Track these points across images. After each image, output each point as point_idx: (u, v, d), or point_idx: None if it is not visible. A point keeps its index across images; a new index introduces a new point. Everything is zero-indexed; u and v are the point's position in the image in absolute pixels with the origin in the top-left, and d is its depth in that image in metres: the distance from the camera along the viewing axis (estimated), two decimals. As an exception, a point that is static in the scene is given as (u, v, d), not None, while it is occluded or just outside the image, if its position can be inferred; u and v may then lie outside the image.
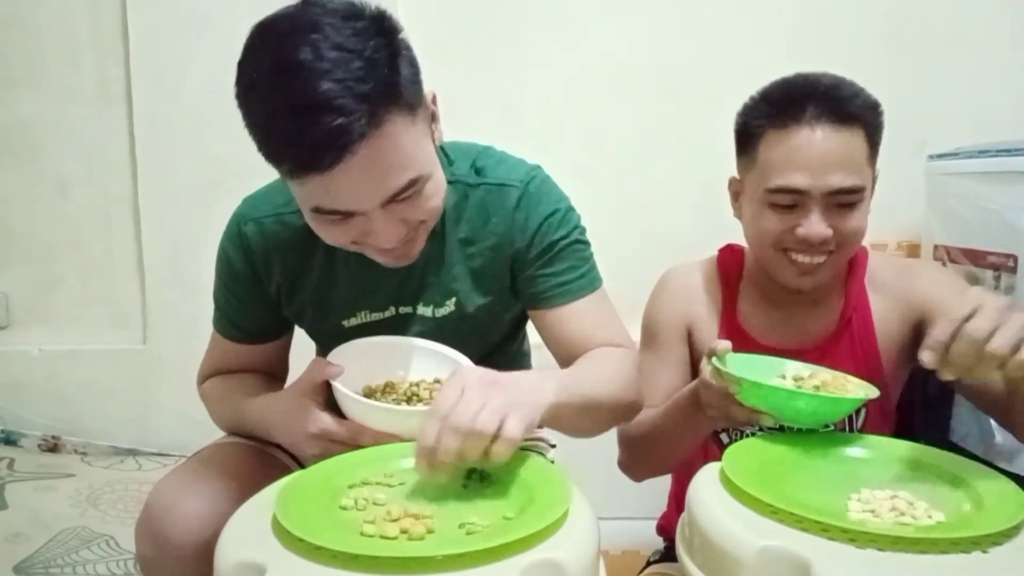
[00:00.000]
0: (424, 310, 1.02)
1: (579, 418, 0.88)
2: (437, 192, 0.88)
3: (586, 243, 1.02)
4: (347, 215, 0.83)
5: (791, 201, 1.00)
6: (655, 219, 1.90)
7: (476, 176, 1.00)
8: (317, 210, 0.83)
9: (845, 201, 0.98)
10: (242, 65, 0.80)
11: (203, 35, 1.92)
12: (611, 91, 1.90)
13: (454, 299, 1.02)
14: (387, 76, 0.78)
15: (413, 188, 0.83)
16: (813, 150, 0.97)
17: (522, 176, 0.99)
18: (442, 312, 1.02)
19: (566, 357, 0.98)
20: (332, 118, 0.74)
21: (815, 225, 0.98)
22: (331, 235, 0.87)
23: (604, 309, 1.01)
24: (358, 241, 0.87)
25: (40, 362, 2.13)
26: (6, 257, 2.15)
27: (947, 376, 0.74)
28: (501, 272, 1.01)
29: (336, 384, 0.88)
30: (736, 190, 1.10)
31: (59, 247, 2.14)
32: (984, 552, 0.64)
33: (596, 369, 0.93)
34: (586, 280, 1.00)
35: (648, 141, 1.91)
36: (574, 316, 0.99)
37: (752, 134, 1.03)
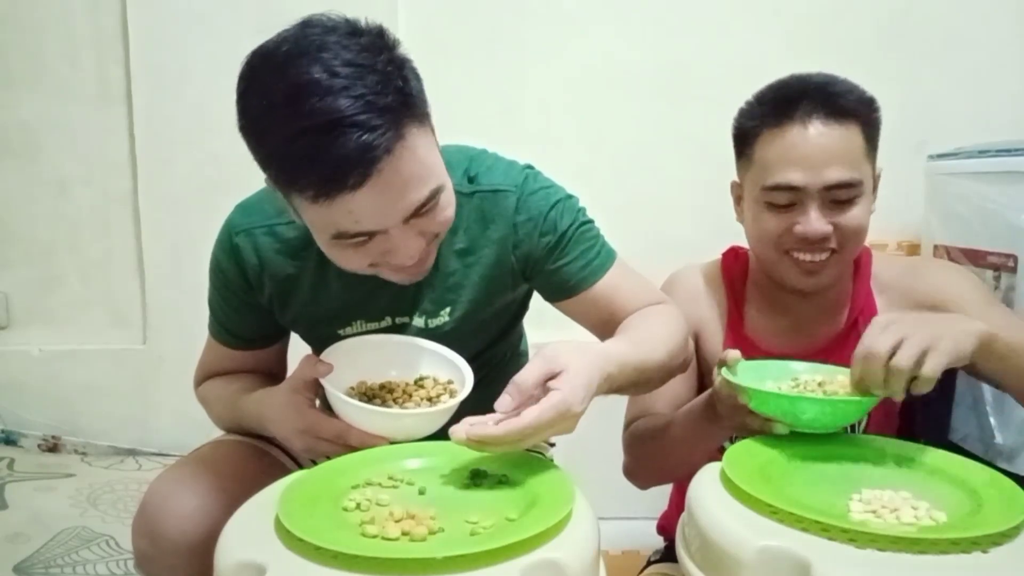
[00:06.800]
0: (418, 320, 1.02)
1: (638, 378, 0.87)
2: (451, 202, 0.88)
3: (591, 221, 1.03)
4: (369, 236, 0.82)
5: (788, 199, 0.99)
6: (655, 219, 1.89)
7: (469, 184, 0.99)
8: (339, 236, 0.82)
9: (843, 196, 0.98)
10: (246, 96, 0.79)
11: (203, 35, 1.91)
12: (611, 91, 1.90)
13: (448, 308, 1.01)
14: (402, 87, 0.78)
15: (434, 200, 0.83)
16: (808, 146, 0.97)
17: (516, 178, 0.99)
18: (437, 322, 1.02)
19: (611, 333, 0.97)
20: (358, 134, 0.73)
21: (814, 222, 0.98)
22: (349, 260, 0.86)
23: (630, 276, 1.02)
24: (376, 263, 0.86)
25: (40, 362, 2.13)
26: (6, 257, 2.14)
27: (877, 394, 0.82)
28: (503, 278, 1.01)
29: (326, 383, 0.88)
30: (738, 194, 1.10)
31: (59, 247, 2.13)
32: (984, 552, 0.64)
33: (650, 327, 0.93)
34: (604, 255, 1.01)
35: (648, 141, 1.90)
36: (607, 291, 0.99)
37: (748, 136, 1.03)
